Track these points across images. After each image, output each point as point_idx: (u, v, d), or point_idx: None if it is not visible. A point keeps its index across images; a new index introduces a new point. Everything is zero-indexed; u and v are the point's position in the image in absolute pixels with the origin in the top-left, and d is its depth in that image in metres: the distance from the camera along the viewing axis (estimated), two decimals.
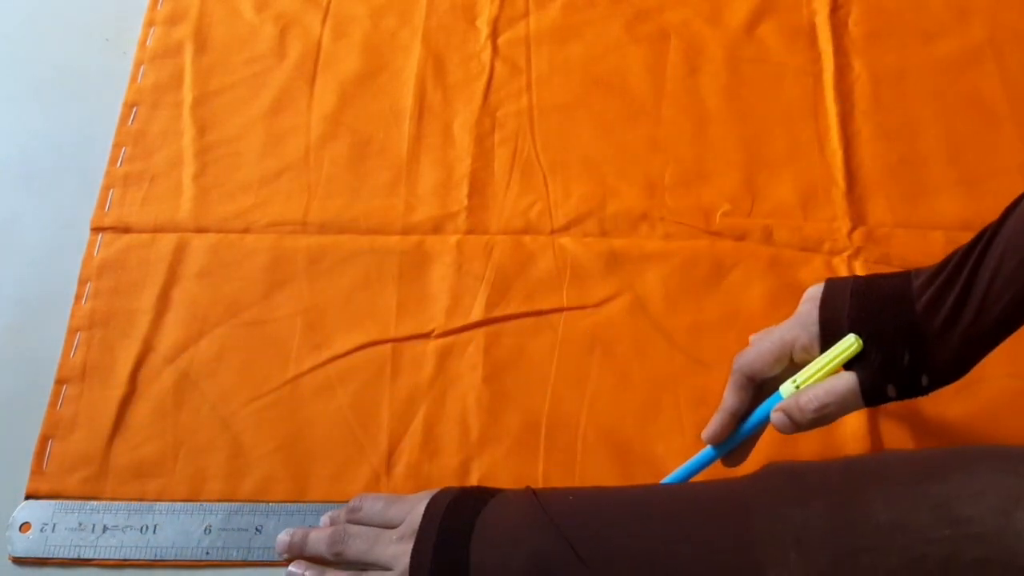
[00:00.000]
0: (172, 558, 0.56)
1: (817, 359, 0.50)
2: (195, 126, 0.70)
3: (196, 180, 0.68)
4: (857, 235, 0.66)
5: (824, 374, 0.49)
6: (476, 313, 0.63)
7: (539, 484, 0.58)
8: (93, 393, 0.61)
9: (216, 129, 0.70)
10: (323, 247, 0.66)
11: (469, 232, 0.66)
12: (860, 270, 0.64)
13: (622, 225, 0.67)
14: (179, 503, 0.57)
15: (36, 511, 0.57)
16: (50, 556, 0.56)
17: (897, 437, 0.59)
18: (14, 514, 0.57)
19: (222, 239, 0.66)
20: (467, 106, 0.71)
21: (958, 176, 0.68)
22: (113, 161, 0.69)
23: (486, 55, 0.73)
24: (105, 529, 0.56)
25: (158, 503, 0.57)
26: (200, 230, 0.66)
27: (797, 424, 0.49)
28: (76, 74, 0.74)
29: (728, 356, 0.61)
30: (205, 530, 0.56)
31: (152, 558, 0.56)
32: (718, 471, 0.53)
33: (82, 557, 0.56)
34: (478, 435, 0.59)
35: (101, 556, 0.56)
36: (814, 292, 0.52)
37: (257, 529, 0.56)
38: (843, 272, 0.64)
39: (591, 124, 0.71)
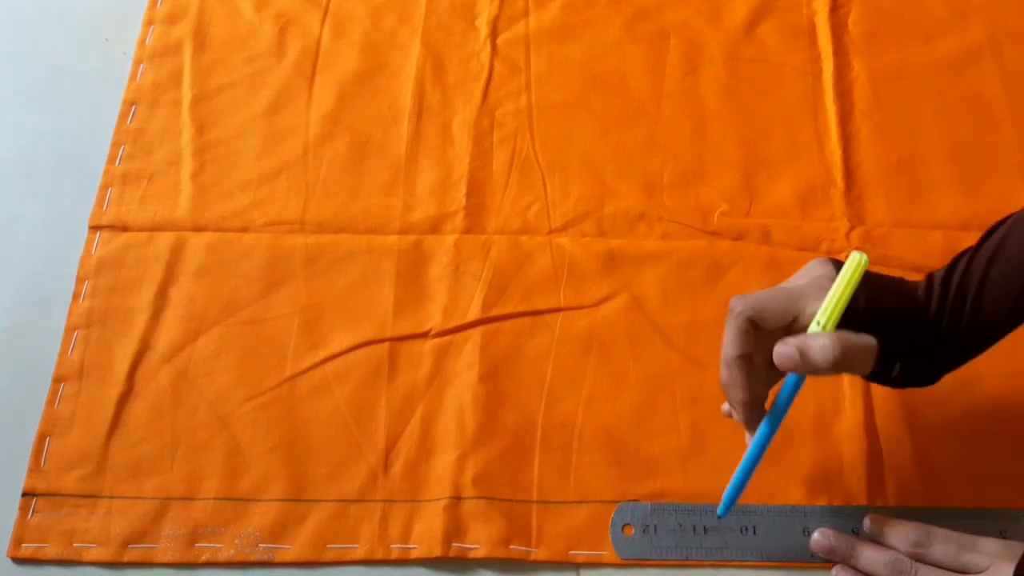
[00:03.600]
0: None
1: (832, 289, 0.46)
2: (194, 125, 0.70)
3: (194, 179, 0.68)
4: (855, 235, 0.66)
5: (844, 300, 0.46)
6: (473, 312, 0.63)
7: (533, 483, 0.58)
8: (91, 391, 0.61)
9: (215, 128, 0.70)
10: (321, 246, 0.66)
11: (467, 232, 0.66)
12: None
13: (620, 225, 0.66)
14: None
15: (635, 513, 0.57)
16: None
17: (894, 436, 0.59)
18: (613, 516, 0.57)
19: (220, 238, 0.66)
20: (466, 106, 0.71)
21: (957, 176, 0.68)
22: (112, 159, 0.69)
23: (485, 55, 0.73)
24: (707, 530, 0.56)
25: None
26: (198, 229, 0.66)
27: (809, 365, 0.45)
28: (75, 73, 0.74)
29: None
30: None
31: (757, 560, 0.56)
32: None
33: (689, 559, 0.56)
34: (474, 434, 0.59)
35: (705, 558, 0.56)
36: (820, 262, 0.50)
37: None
38: None
39: (590, 124, 0.71)
